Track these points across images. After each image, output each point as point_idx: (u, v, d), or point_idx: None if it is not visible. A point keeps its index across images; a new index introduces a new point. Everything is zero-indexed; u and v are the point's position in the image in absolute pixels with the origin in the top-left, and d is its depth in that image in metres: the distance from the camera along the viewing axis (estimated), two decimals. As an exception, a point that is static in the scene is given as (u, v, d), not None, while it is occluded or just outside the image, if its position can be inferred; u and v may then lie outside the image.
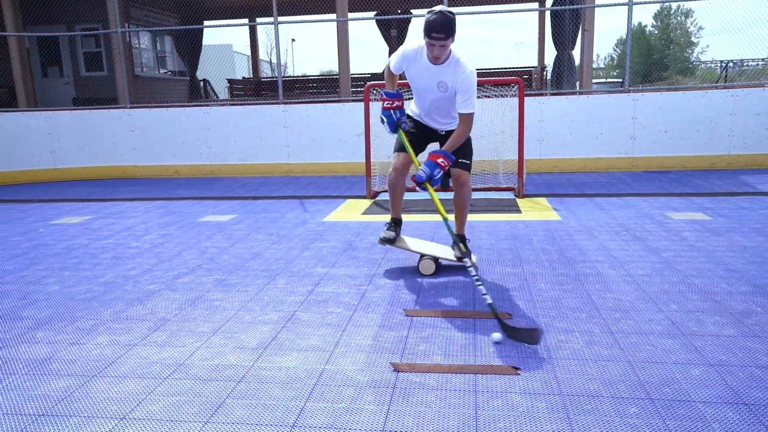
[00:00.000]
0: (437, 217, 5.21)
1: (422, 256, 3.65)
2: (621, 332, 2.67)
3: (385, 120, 3.57)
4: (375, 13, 13.06)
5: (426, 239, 4.43)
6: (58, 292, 3.51)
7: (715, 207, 5.25)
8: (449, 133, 3.58)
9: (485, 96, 6.78)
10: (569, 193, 6.23)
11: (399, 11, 13.65)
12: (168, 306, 3.20)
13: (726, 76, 16.23)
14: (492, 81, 6.14)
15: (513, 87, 6.54)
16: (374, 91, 6.50)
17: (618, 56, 55.33)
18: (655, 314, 2.86)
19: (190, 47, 14.29)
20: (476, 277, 2.94)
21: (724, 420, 1.94)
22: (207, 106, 8.76)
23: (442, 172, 3.30)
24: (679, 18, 54.00)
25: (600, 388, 2.18)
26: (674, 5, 53.31)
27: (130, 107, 8.69)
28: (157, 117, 8.52)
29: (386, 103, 3.52)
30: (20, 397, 2.24)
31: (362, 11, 12.41)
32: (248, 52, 31.80)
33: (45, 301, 3.34)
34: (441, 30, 3.09)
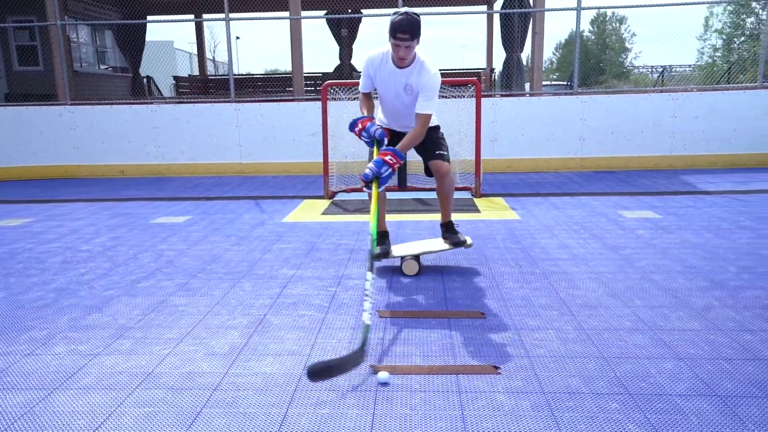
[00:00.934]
0: (400, 217, 5.22)
1: (404, 257, 3.62)
2: (592, 329, 2.72)
3: (364, 140, 3.48)
4: (325, 12, 12.98)
5: (407, 240, 4.43)
6: (5, 299, 3.29)
7: (663, 206, 5.47)
8: None
9: (443, 96, 6.84)
10: (524, 193, 6.35)
11: (350, 10, 13.61)
12: (129, 312, 3.05)
13: (663, 80, 16.99)
14: (451, 81, 6.19)
15: (469, 88, 6.63)
16: (332, 90, 6.43)
17: (558, 60, 57.12)
18: (622, 310, 2.94)
19: (132, 43, 13.78)
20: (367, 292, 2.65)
21: (700, 412, 2.01)
22: (154, 103, 8.46)
23: (390, 170, 3.21)
24: (614, 24, 56.23)
25: (580, 384, 2.21)
26: (609, 12, 55.47)
27: (71, 104, 8.28)
28: (101, 114, 8.15)
29: (357, 129, 3.41)
30: (-25, 415, 2.08)
31: (313, 10, 12.31)
32: (190, 49, 30.97)
33: (-9, 310, 3.12)
34: (406, 31, 3.08)
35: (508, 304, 3.06)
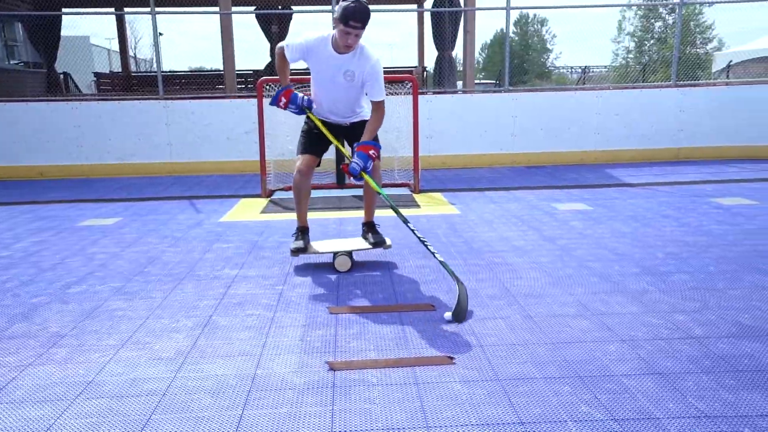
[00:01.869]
0: (340, 214, 5.19)
1: (336, 252, 3.59)
2: (539, 316, 2.80)
3: (294, 112, 3.55)
4: (255, 7, 12.72)
5: (332, 236, 4.39)
6: None
7: (592, 198, 5.72)
8: (354, 125, 3.55)
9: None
10: (462, 188, 6.46)
11: (280, 6, 13.39)
12: (61, 319, 2.87)
13: (584, 79, 17.77)
14: (388, 78, 6.18)
15: (405, 85, 6.67)
16: (267, 87, 6.32)
17: (484, 60, 58.63)
18: (565, 298, 3.04)
19: (47, 37, 12.96)
20: (422, 238, 3.21)
21: (645, 390, 2.10)
22: (77, 101, 8.01)
23: (372, 163, 3.31)
24: (535, 26, 58.37)
25: (532, 370, 2.27)
26: (531, 14, 57.50)
27: (-19, 101, 7.70)
28: (16, 112, 7.63)
29: (281, 102, 3.48)
30: None
31: (242, 5, 12.04)
32: (108, 45, 29.47)
33: None
34: (360, 19, 3.07)
35: (456, 295, 3.10)
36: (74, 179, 7.62)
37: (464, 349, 2.46)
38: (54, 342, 2.61)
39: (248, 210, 5.51)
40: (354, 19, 3.06)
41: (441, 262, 3.08)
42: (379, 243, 3.66)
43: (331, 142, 3.74)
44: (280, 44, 3.47)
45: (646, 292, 3.08)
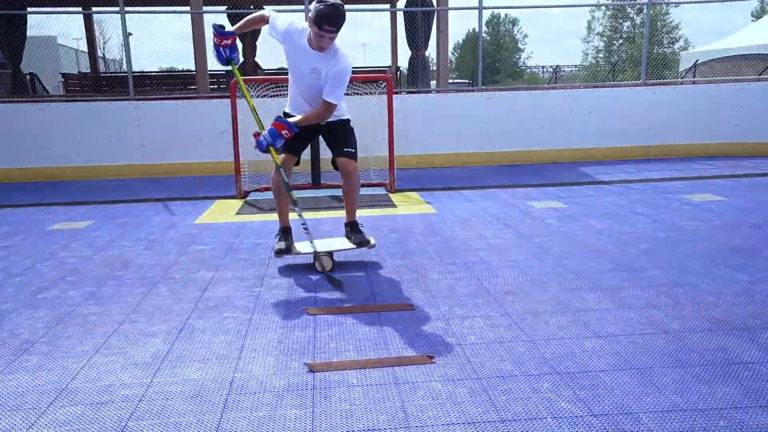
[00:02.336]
0: (317, 214, 5.16)
1: (318, 253, 3.57)
2: (517, 314, 2.82)
3: (215, 53, 3.49)
4: (226, 7, 12.58)
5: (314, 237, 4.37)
6: None
7: (567, 196, 5.79)
8: (330, 125, 3.53)
9: (355, 93, 6.85)
10: (437, 187, 6.48)
11: (252, 6, 13.27)
12: (32, 325, 2.80)
13: (556, 78, 17.99)
14: (362, 78, 6.20)
15: (380, 85, 6.67)
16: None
17: (456, 59, 58.96)
18: (542, 295, 3.07)
19: (12, 36, 12.64)
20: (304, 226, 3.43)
21: (622, 384, 2.13)
22: (44, 101, 7.82)
23: (282, 141, 3.34)
24: (507, 26, 58.96)
25: (512, 368, 2.28)
26: (502, 14, 58.00)
27: (-56, 102, 7.48)
28: (-20, 114, 7.42)
29: (216, 39, 3.44)
30: None
31: (213, 5, 11.88)
32: (75, 45, 28.88)
33: None
34: (334, 23, 3.06)
35: (435, 294, 3.11)
36: (42, 182, 7.43)
37: (444, 349, 2.46)
38: (25, 349, 2.54)
39: (223, 211, 5.45)
40: (328, 23, 3.05)
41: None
42: (362, 243, 3.65)
43: (309, 141, 3.73)
44: (267, 12, 3.46)
45: (621, 289, 3.13)
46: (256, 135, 3.36)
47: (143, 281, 3.43)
